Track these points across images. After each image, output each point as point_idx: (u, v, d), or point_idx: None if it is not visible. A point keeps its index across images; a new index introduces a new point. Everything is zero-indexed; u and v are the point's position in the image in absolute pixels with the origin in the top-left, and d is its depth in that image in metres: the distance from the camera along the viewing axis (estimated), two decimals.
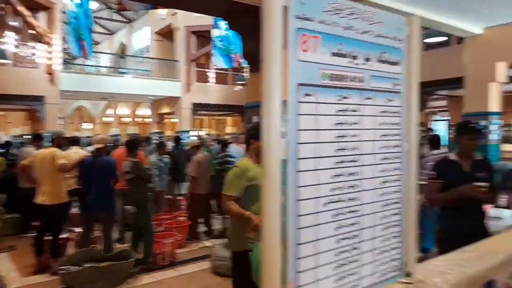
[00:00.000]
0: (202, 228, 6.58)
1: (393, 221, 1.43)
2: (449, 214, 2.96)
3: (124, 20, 21.80)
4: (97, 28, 21.76)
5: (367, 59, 1.30)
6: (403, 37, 1.41)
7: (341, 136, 1.25)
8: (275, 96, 1.06)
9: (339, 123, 1.24)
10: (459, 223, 2.83)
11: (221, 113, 20.34)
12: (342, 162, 1.26)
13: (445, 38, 8.71)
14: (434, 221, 3.90)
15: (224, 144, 6.97)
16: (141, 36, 20.77)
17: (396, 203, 1.44)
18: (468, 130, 2.95)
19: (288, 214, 1.13)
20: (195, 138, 10.35)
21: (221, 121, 24.43)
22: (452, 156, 3.01)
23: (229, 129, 22.50)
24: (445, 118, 13.68)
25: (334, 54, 1.21)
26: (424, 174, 3.60)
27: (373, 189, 1.35)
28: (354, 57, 1.27)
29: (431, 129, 9.30)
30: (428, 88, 10.62)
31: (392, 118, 1.40)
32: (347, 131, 1.27)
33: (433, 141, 5.65)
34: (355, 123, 1.29)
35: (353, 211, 1.30)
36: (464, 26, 6.91)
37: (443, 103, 12.96)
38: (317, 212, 1.20)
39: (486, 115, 7.08)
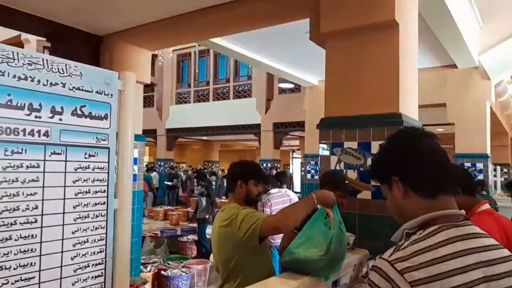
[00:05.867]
0: None
1: (93, 284, 1.34)
2: None
3: None
4: None
5: (57, 113, 1.22)
6: (113, 91, 1.38)
7: (10, 196, 1.12)
8: None
9: (5, 181, 1.11)
10: None
11: None
12: (8, 225, 1.12)
13: (291, 86, 9.63)
14: None
15: None
16: None
17: (98, 264, 1.36)
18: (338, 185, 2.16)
19: None
20: None
21: None
22: None
23: None
24: (299, 156, 14.97)
25: None
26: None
27: (58, 252, 1.24)
28: (35, 110, 1.17)
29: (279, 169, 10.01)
30: (283, 129, 11.54)
31: (95, 174, 1.33)
32: (20, 189, 1.15)
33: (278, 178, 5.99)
34: (33, 180, 1.17)
35: (27, 279, 1.17)
36: (304, 77, 7.74)
37: (297, 142, 14.18)
38: None
39: (317, 156, 7.90)
